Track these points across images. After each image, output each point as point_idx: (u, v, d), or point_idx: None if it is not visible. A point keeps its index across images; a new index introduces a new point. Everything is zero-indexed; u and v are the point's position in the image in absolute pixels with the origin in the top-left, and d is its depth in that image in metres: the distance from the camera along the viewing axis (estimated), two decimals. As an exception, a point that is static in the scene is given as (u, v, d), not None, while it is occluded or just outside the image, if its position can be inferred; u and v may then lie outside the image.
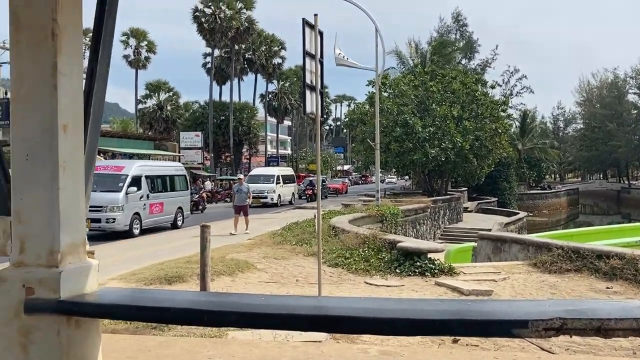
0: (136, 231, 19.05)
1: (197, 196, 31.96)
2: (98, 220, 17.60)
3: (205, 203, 33.85)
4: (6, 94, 35.67)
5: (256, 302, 2.42)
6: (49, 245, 2.49)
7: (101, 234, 17.71)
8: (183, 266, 9.57)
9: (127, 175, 19.12)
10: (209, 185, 44.42)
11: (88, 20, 2.81)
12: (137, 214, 19.25)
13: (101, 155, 38.01)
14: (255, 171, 42.73)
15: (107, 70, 3.03)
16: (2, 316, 2.51)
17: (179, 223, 22.40)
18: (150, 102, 62.06)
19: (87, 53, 3.01)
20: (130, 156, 43.19)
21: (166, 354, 4.12)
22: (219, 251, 11.62)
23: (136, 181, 19.29)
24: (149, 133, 57.11)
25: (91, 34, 2.93)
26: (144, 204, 19.75)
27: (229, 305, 2.39)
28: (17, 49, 2.47)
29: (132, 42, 58.78)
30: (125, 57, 58.73)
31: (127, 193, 18.66)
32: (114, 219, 18.18)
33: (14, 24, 2.42)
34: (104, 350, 2.81)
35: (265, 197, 35.70)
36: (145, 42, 59.46)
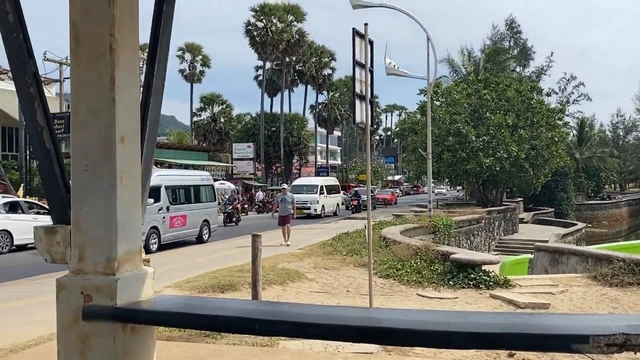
0: (153, 247, 17.35)
1: (230, 207, 30.37)
2: None
3: (240, 214, 31.70)
4: (68, 108, 37.11)
5: (307, 311, 2.41)
6: (106, 253, 2.56)
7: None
8: (235, 275, 9.68)
9: None
10: (260, 195, 44.78)
11: (144, 35, 2.88)
12: (154, 227, 17.65)
13: (158, 166, 39.03)
14: (298, 181, 41.44)
15: (162, 83, 3.11)
16: (62, 322, 2.59)
17: (205, 237, 20.76)
18: (205, 115, 63.37)
19: (144, 67, 3.09)
20: (186, 167, 44.22)
21: (219, 362, 4.16)
22: (270, 260, 11.71)
23: (154, 192, 17.41)
24: (203, 144, 58.30)
25: (147, 49, 3.01)
26: (163, 217, 18.18)
27: (280, 314, 2.39)
28: (77, 62, 2.55)
29: (188, 56, 60.23)
30: (181, 71, 60.25)
31: None
32: None
33: (74, 39, 2.51)
34: (159, 357, 2.86)
35: (309, 208, 34.49)
36: (200, 57, 60.83)
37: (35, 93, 2.74)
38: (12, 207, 18.97)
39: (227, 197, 38.79)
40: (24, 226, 17.17)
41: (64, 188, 2.75)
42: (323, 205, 36.50)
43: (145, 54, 3.31)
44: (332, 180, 42.39)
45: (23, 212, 18.89)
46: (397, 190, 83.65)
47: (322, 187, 36.96)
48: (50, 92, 38.24)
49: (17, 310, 8.08)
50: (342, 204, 41.35)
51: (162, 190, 18.31)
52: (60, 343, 2.56)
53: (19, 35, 2.65)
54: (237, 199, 34.27)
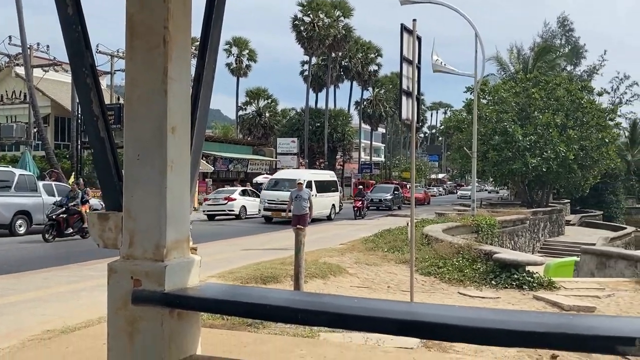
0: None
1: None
2: None
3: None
4: (119, 99, 38.03)
5: (349, 303, 2.43)
6: (155, 240, 2.63)
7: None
8: (278, 267, 9.78)
9: None
10: None
11: (195, 30, 2.95)
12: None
13: (203, 158, 39.65)
14: (279, 174, 31.80)
15: (212, 76, 3.18)
16: (112, 305, 2.68)
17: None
18: (250, 109, 63.97)
19: (194, 61, 3.17)
20: (230, 160, 44.80)
21: (261, 350, 4.23)
22: (313, 254, 11.78)
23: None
24: (248, 138, 58.88)
25: (198, 43, 3.08)
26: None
27: (322, 305, 2.42)
28: (132, 54, 2.63)
29: (234, 50, 60.87)
30: (228, 65, 60.96)
31: None
32: None
33: (129, 31, 2.59)
34: (203, 343, 2.93)
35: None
36: (247, 51, 61.39)
37: (92, 84, 2.84)
38: (243, 193, 29.70)
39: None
40: (251, 204, 28.86)
41: (117, 176, 2.85)
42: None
43: (196, 48, 3.39)
44: (326, 175, 32.13)
45: (250, 195, 29.72)
46: (439, 189, 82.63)
47: (310, 183, 26.38)
48: (101, 83, 39.31)
49: (68, 294, 8.37)
50: (341, 205, 32.98)
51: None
52: (110, 325, 2.66)
53: (77, 27, 2.74)
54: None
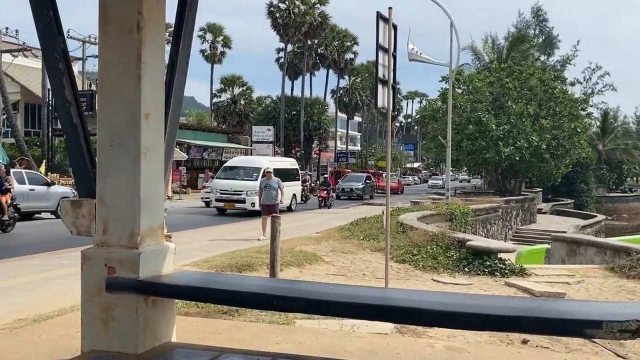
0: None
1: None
2: None
3: None
4: (90, 86, 37.40)
5: (324, 290, 2.46)
6: (129, 227, 2.62)
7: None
8: (253, 256, 9.77)
9: None
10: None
11: (170, 16, 2.92)
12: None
13: (177, 146, 39.29)
14: (233, 161, 28.80)
15: (187, 62, 3.15)
16: (86, 293, 2.67)
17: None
18: (225, 96, 63.44)
19: (168, 47, 3.14)
20: (205, 148, 44.47)
21: (236, 337, 4.23)
22: (288, 243, 11.79)
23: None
24: (223, 126, 58.47)
25: (172, 29, 3.05)
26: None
27: (298, 292, 2.44)
28: (105, 40, 2.60)
29: (209, 37, 60.20)
30: (202, 51, 60.27)
31: None
32: None
33: (103, 16, 2.56)
34: (177, 331, 2.92)
35: (242, 201, 23.37)
36: (222, 37, 60.76)
37: (64, 69, 2.80)
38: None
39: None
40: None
41: (90, 162, 2.83)
42: None
43: (170, 34, 3.35)
44: (285, 162, 29.87)
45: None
46: (415, 178, 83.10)
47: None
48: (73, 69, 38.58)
49: (40, 282, 8.26)
50: (304, 197, 31.10)
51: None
52: (84, 313, 2.64)
53: (49, 11, 2.70)
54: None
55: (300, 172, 30.75)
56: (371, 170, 57.91)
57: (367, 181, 42.11)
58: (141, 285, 2.51)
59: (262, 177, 17.10)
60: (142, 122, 2.54)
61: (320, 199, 30.47)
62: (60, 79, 2.88)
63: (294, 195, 27.26)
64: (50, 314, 5.53)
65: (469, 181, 73.27)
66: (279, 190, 15.50)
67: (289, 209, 26.16)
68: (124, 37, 2.53)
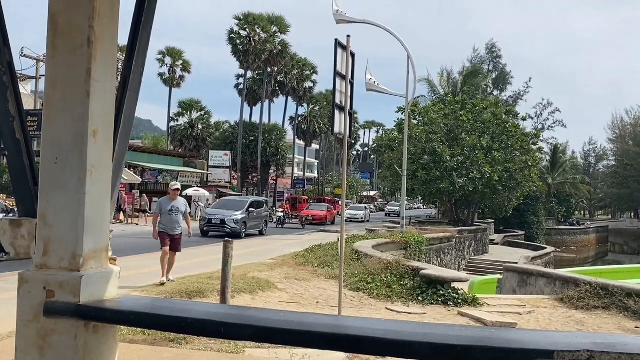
0: None
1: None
2: None
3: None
4: (43, 105, 36.59)
5: (275, 317, 2.38)
6: (71, 249, 2.50)
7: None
8: (204, 282, 9.58)
9: None
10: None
11: (123, 35, 2.84)
12: None
13: (131, 169, 38.58)
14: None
15: (139, 80, 3.08)
16: (22, 317, 2.52)
17: None
18: (182, 120, 62.93)
19: (120, 65, 3.06)
20: (160, 171, 43.82)
21: (182, 367, 4.10)
22: (241, 269, 11.61)
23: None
24: (179, 150, 57.83)
25: (125, 47, 2.98)
26: None
27: (247, 318, 2.36)
28: (53, 53, 2.51)
29: (168, 60, 59.87)
30: (161, 75, 59.85)
31: None
32: None
33: (52, 29, 2.47)
34: (121, 359, 2.79)
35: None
36: (181, 62, 60.52)
37: (9, 82, 2.69)
38: None
39: (201, 204, 38.04)
40: None
41: (32, 180, 2.70)
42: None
43: (123, 54, 3.28)
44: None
45: None
46: (366, 207, 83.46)
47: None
48: (25, 89, 37.68)
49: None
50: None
51: None
52: (20, 339, 2.49)
53: (-6, 22, 2.60)
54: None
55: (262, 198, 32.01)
56: (328, 198, 58.02)
57: (250, 209, 28.19)
58: (82, 310, 2.38)
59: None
60: (89, 139, 2.44)
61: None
62: (4, 92, 2.76)
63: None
64: (-15, 341, 5.26)
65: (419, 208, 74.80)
66: (185, 215, 11.66)
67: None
68: (74, 52, 2.44)
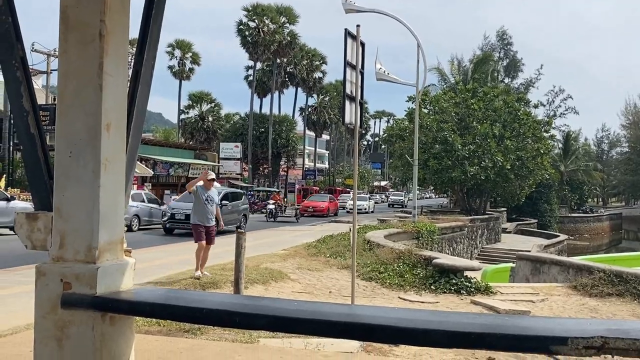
0: None
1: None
2: None
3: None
4: (54, 100, 36.75)
5: (289, 307, 2.40)
6: (87, 241, 2.52)
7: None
8: (218, 273, 9.64)
9: None
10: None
11: (134, 28, 2.86)
12: None
13: (143, 162, 38.77)
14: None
15: (151, 73, 3.09)
16: (40, 309, 2.55)
17: None
18: (193, 113, 63.09)
19: (131, 58, 3.08)
20: (171, 164, 44.00)
21: (198, 356, 4.13)
22: (254, 260, 11.67)
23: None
24: (190, 143, 58.01)
25: (136, 41, 2.99)
26: None
27: (261, 308, 2.37)
28: (65, 48, 2.52)
29: (177, 53, 59.96)
30: (170, 67, 59.95)
31: None
32: None
33: (64, 23, 2.48)
34: (137, 350, 2.83)
35: None
36: (190, 54, 60.57)
37: (22, 77, 2.71)
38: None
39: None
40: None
41: (47, 174, 2.73)
42: None
43: (134, 47, 3.29)
44: None
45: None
46: (378, 197, 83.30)
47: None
48: (36, 83, 37.87)
49: (-6, 301, 7.97)
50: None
51: None
52: (38, 331, 2.52)
53: (7, 17, 2.62)
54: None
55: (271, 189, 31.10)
56: (339, 189, 58.03)
57: (223, 202, 26.63)
58: (98, 302, 2.41)
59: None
60: (102, 133, 2.45)
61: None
62: (18, 87, 2.78)
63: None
64: (3, 332, 5.33)
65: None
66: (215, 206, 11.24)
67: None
68: (86, 46, 2.45)
